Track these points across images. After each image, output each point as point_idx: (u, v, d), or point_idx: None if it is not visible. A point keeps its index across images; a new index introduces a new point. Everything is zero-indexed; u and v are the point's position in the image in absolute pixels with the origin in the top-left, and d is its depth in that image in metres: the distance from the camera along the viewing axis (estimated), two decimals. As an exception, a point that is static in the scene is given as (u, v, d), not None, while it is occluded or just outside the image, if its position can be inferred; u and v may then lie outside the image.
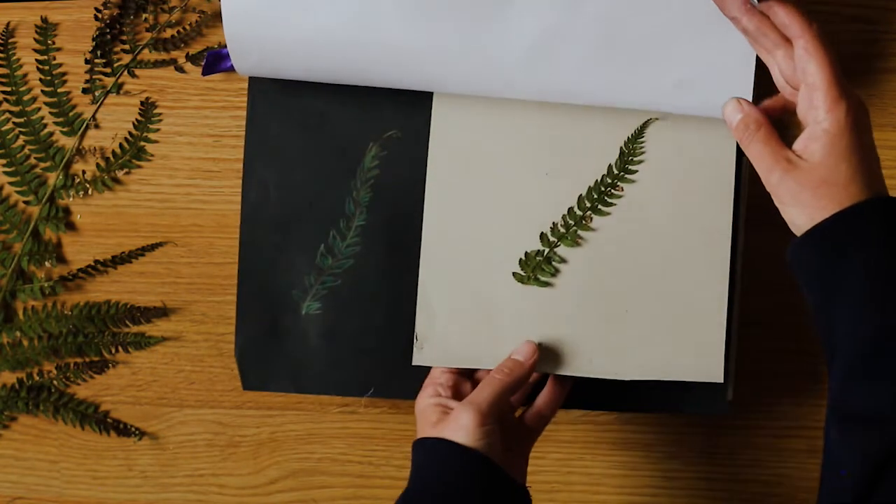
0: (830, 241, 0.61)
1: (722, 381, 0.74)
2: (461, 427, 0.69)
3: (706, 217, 0.74)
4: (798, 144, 0.63)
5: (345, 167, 0.76)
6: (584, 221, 0.75)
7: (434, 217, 0.75)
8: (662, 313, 0.74)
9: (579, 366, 0.75)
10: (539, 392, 0.77)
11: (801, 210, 0.62)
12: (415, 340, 0.76)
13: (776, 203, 0.63)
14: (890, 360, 0.59)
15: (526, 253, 0.75)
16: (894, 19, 0.76)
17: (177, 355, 0.85)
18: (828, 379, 0.61)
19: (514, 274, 0.75)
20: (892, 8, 0.76)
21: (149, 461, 0.86)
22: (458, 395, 0.74)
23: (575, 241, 0.75)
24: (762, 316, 0.80)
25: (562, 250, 0.75)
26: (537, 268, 0.75)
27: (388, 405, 0.84)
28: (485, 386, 0.72)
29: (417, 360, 0.76)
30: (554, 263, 0.75)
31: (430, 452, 0.70)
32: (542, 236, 0.75)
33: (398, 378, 0.77)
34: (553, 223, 0.75)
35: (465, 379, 0.76)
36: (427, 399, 0.73)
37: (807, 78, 0.62)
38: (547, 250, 0.75)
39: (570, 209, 0.75)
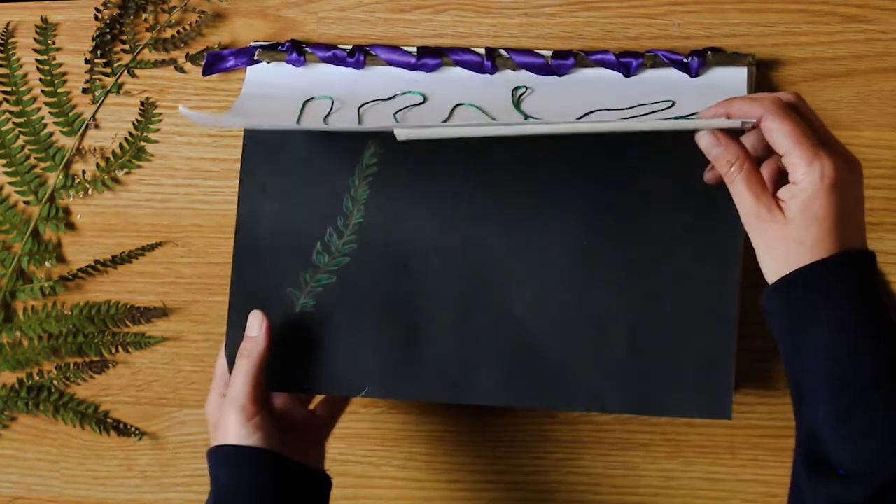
0: (796, 296, 0.62)
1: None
2: (230, 429, 0.70)
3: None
4: (782, 192, 0.63)
5: (343, 165, 0.76)
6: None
7: None
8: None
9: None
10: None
11: (773, 259, 0.63)
12: None
13: (752, 244, 0.64)
14: (857, 420, 0.59)
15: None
16: (894, 19, 0.76)
17: (177, 355, 0.85)
18: (795, 419, 0.63)
19: None
20: (892, 8, 0.76)
21: (149, 461, 0.86)
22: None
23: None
24: (762, 315, 0.80)
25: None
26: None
27: (388, 405, 0.84)
28: (236, 378, 0.72)
29: None
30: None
31: (213, 460, 0.71)
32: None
33: (393, 378, 0.76)
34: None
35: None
36: (211, 402, 0.75)
37: (779, 149, 0.63)
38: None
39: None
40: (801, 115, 0.64)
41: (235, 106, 0.77)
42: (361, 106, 0.78)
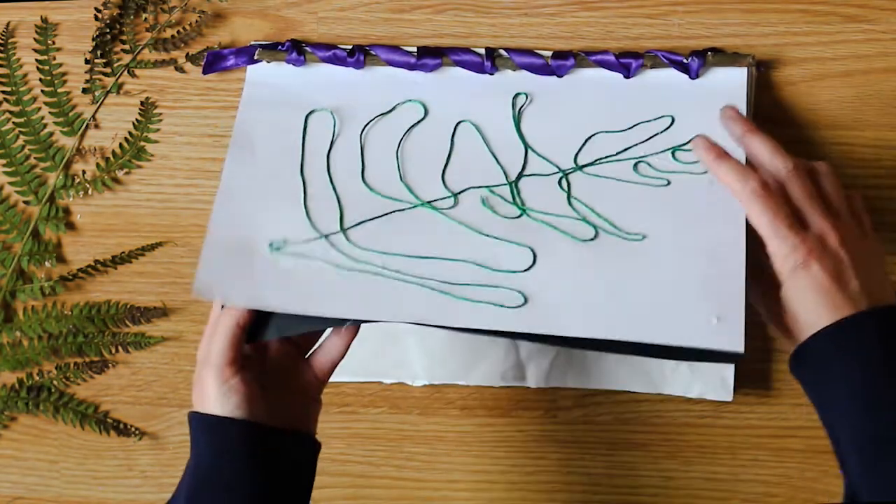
0: (813, 363, 0.65)
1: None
2: (209, 392, 0.68)
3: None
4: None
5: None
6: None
7: None
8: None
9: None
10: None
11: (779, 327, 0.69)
12: None
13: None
14: (885, 473, 0.60)
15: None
16: (894, 19, 0.76)
17: (177, 355, 0.85)
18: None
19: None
20: (891, 8, 0.76)
21: (149, 461, 0.86)
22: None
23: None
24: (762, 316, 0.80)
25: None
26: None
27: (388, 405, 0.84)
28: (216, 338, 0.69)
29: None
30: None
31: (193, 424, 0.69)
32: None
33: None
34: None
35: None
36: (201, 348, 0.71)
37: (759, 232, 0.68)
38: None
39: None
40: (810, 180, 0.69)
41: (237, 126, 0.78)
42: (363, 130, 0.78)
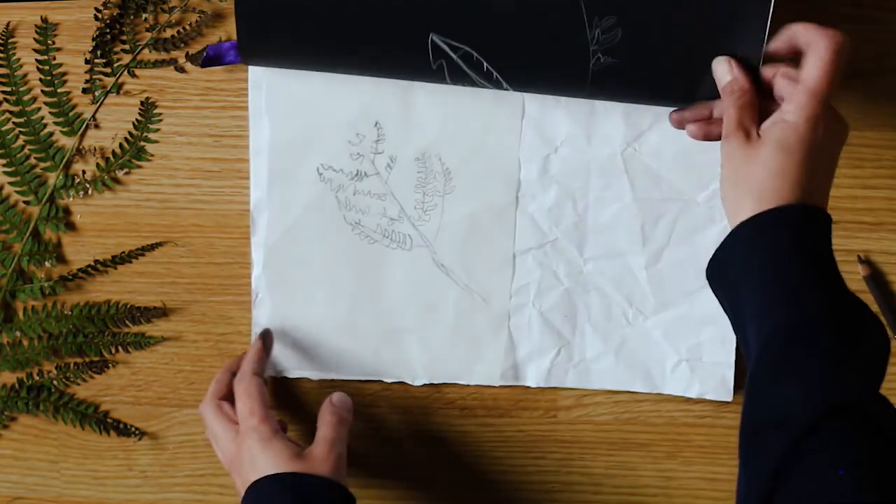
0: (749, 241, 0.63)
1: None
2: (256, 462, 0.72)
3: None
4: (766, 123, 0.65)
5: None
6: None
7: None
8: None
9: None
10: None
11: (730, 184, 0.65)
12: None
13: (721, 169, 0.66)
14: (784, 369, 0.59)
15: None
16: (894, 19, 0.76)
17: (177, 355, 0.85)
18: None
19: None
20: (892, 8, 0.76)
21: (149, 461, 0.86)
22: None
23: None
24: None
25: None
26: None
27: (388, 405, 0.84)
28: (245, 401, 0.75)
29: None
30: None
31: (266, 493, 0.72)
32: None
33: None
34: None
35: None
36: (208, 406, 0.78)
37: (804, 76, 0.64)
38: None
39: None
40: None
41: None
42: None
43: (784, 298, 0.60)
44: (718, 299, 0.66)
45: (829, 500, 0.54)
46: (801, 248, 0.61)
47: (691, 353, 0.79)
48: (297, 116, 0.79)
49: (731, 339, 0.79)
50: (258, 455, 0.72)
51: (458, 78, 0.73)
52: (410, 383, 0.83)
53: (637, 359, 0.80)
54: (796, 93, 0.64)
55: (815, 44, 0.65)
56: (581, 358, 0.81)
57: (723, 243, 0.64)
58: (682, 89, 0.71)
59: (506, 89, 0.73)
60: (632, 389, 0.81)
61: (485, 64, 0.72)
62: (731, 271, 0.64)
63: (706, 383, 0.80)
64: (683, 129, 0.71)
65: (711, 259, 0.65)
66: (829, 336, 0.59)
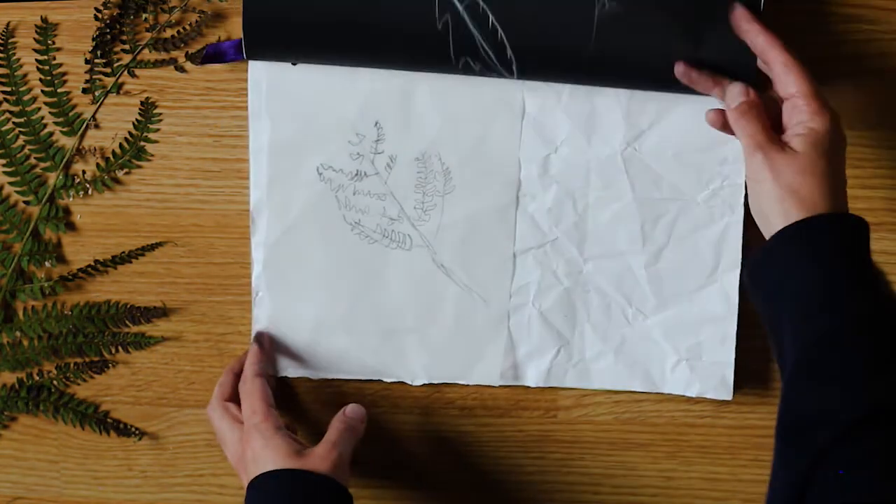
0: (770, 262, 0.64)
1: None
2: (258, 457, 0.73)
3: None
4: (786, 135, 0.66)
5: None
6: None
7: None
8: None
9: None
10: None
11: (780, 189, 0.65)
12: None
13: (750, 182, 0.67)
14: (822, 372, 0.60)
15: None
16: (894, 19, 0.76)
17: (177, 355, 0.85)
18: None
19: None
20: (892, 8, 0.76)
21: (149, 461, 0.86)
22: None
23: None
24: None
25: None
26: None
27: (389, 405, 0.84)
28: (249, 400, 0.76)
29: None
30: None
31: (263, 489, 0.72)
32: None
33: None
34: None
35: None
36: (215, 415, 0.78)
37: (789, 89, 0.67)
38: None
39: None
40: None
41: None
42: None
43: (830, 301, 0.61)
44: (754, 301, 0.67)
45: (862, 501, 0.54)
46: (849, 253, 0.63)
47: (691, 352, 0.79)
48: (297, 116, 0.79)
49: (731, 338, 0.79)
50: (260, 452, 0.72)
51: (464, 49, 0.72)
52: (410, 383, 0.83)
53: (637, 358, 0.80)
54: (800, 103, 0.66)
55: (769, 58, 0.68)
56: (580, 357, 0.81)
57: (766, 247, 0.65)
58: (687, 41, 0.70)
59: (508, 57, 0.72)
60: (631, 389, 0.81)
61: (490, 17, 0.71)
62: (774, 273, 0.64)
63: (706, 382, 0.80)
64: (691, 85, 0.71)
65: (751, 262, 0.66)
66: (873, 339, 0.60)
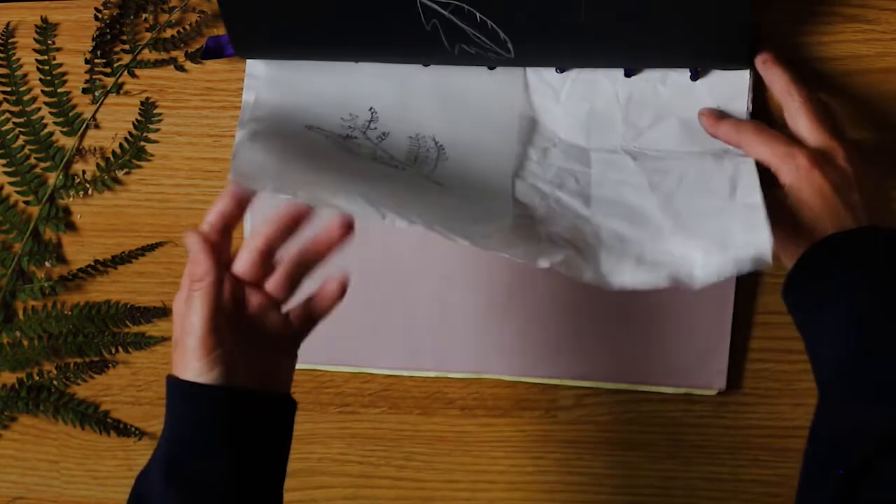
0: (811, 269, 0.64)
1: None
2: (188, 362, 0.64)
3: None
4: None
5: None
6: None
7: None
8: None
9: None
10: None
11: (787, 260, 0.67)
12: None
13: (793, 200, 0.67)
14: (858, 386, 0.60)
15: None
16: (894, 19, 0.76)
17: (177, 355, 0.85)
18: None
19: None
20: (891, 8, 0.76)
21: (149, 461, 0.86)
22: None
23: None
24: (762, 316, 0.80)
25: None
26: None
27: (388, 405, 0.84)
28: (192, 311, 0.65)
29: None
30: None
31: (171, 390, 0.66)
32: None
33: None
34: None
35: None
36: (177, 303, 0.67)
37: (764, 163, 0.69)
38: None
39: None
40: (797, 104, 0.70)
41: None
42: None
43: (875, 314, 0.60)
44: (791, 306, 0.65)
45: None
46: (893, 265, 0.62)
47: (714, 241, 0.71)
48: (289, 94, 0.78)
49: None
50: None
51: (457, 38, 0.72)
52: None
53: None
54: (775, 170, 0.68)
55: (782, 98, 0.71)
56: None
57: (806, 259, 0.64)
58: (677, 6, 0.69)
59: (504, 41, 0.72)
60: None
61: (477, 14, 0.71)
62: (815, 285, 0.63)
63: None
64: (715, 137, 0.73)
65: (792, 273, 0.65)
66: None
